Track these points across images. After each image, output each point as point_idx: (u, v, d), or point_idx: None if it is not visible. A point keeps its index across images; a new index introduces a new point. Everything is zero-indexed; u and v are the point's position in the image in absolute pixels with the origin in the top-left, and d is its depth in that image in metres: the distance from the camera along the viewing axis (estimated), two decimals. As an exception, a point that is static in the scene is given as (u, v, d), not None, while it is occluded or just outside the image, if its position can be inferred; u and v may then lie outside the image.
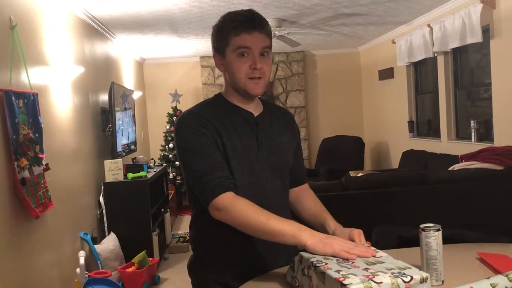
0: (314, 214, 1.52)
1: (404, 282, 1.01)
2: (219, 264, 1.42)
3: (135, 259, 3.71)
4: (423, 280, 1.02)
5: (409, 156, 5.46)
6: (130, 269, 3.70)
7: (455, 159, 4.02)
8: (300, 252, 1.25)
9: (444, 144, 5.01)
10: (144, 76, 7.28)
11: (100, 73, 4.60)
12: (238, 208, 1.30)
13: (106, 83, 4.47)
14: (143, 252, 3.73)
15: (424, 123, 5.87)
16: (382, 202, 3.37)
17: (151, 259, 3.84)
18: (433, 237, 1.23)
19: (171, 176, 6.27)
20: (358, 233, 1.34)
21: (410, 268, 1.07)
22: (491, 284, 1.08)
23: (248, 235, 1.33)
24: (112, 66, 5.20)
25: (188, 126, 1.38)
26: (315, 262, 1.16)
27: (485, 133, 4.43)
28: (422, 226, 1.26)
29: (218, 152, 1.36)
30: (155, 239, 4.13)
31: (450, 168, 3.73)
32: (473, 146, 4.27)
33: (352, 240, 1.30)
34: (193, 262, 1.49)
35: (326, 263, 1.14)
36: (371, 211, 3.30)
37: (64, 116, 3.44)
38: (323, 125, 7.53)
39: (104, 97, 4.50)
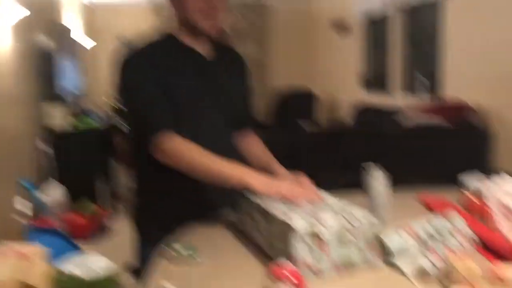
0: (260, 162, 1.47)
1: (351, 224, 1.00)
2: (163, 209, 1.38)
3: (82, 209, 3.62)
4: (369, 222, 1.02)
5: (360, 110, 5.54)
6: (76, 219, 3.60)
7: (405, 113, 4.11)
8: (246, 195, 1.22)
9: (395, 98, 5.11)
10: (92, 22, 6.89)
11: (45, 16, 4.28)
12: (183, 150, 1.25)
13: (50, 26, 4.18)
14: (90, 201, 3.64)
15: (376, 78, 5.94)
16: (333, 152, 3.42)
17: (99, 208, 3.75)
18: (378, 178, 1.24)
19: (122, 127, 6.08)
20: (305, 181, 1.32)
21: (356, 210, 1.07)
22: (432, 225, 1.10)
23: (193, 179, 1.28)
24: (58, 9, 4.86)
25: (133, 64, 1.31)
26: (260, 204, 1.13)
27: (436, 88, 4.53)
28: (367, 168, 1.26)
29: (163, 93, 1.29)
30: (103, 188, 4.04)
31: (400, 122, 3.82)
32: (423, 101, 4.36)
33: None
34: (136, 209, 1.44)
35: (272, 205, 1.12)
36: (322, 160, 3.34)
37: (3, 58, 3.21)
38: (277, 78, 7.48)
39: (47, 41, 4.21)
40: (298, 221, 0.99)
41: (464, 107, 3.68)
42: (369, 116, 4.99)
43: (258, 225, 1.12)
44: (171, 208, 1.37)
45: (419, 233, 1.06)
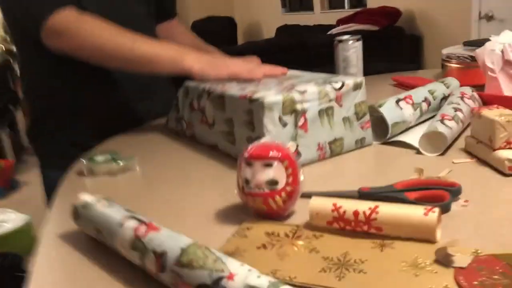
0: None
1: (335, 89, 0.73)
2: (70, 118, 1.02)
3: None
4: (357, 87, 0.76)
5: (283, 31, 5.26)
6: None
7: (330, 28, 3.89)
8: (186, 82, 0.91)
9: (318, 15, 4.88)
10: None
11: None
12: (88, 28, 0.89)
13: None
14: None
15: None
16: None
17: (3, 161, 3.25)
18: (352, 49, 0.98)
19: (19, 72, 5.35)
20: (256, 60, 1.03)
21: (337, 76, 0.80)
22: (429, 91, 0.87)
23: (108, 75, 0.95)
24: None
25: None
26: (207, 88, 0.83)
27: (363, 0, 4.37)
28: (338, 38, 0.99)
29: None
30: (5, 139, 3.50)
31: (329, 32, 3.61)
32: (347, 13, 4.16)
33: None
34: (33, 125, 1.06)
35: (224, 85, 0.82)
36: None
37: None
38: (191, 6, 6.92)
39: None
40: (267, 93, 0.70)
41: (391, 12, 3.54)
42: (292, 35, 4.73)
43: (209, 118, 0.83)
44: (79, 112, 1.02)
45: (418, 101, 0.82)
